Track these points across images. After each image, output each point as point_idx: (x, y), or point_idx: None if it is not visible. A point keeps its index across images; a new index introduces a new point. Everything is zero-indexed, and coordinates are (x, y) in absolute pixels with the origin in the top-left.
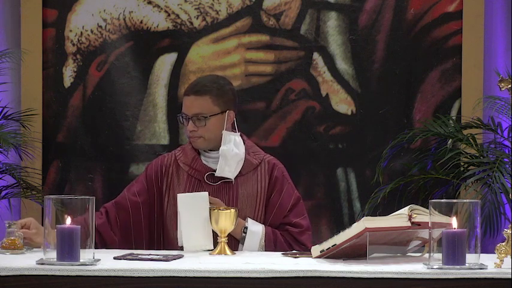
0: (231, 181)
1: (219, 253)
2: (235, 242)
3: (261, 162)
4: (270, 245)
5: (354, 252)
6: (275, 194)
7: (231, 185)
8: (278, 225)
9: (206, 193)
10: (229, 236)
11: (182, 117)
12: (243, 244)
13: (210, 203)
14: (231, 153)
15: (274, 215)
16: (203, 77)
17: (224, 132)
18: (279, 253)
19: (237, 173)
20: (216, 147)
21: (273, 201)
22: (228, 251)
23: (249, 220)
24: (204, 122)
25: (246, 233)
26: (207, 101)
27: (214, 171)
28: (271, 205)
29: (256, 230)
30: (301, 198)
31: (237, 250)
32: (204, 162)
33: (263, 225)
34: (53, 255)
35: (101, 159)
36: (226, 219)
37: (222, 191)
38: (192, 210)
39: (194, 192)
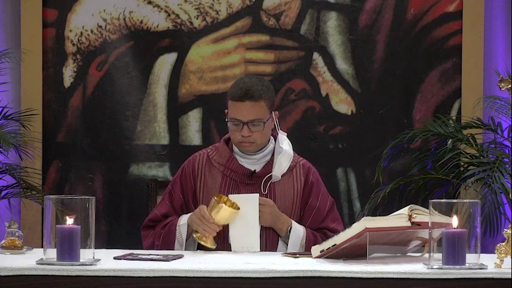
0: (267, 183)
1: (201, 240)
2: (274, 239)
3: (296, 165)
4: (310, 245)
5: (354, 252)
6: (313, 198)
7: (267, 187)
8: (316, 229)
9: (257, 195)
10: (272, 232)
11: (234, 123)
12: (284, 242)
13: (260, 203)
14: (291, 154)
15: (312, 219)
16: (249, 80)
17: (280, 132)
18: (279, 253)
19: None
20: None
21: (311, 205)
22: (209, 243)
23: (292, 220)
24: (261, 127)
25: (290, 232)
26: (262, 106)
27: (253, 172)
28: (309, 209)
29: (299, 230)
30: (335, 203)
31: (276, 248)
32: (240, 163)
33: (303, 227)
34: (53, 255)
35: (101, 159)
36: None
37: (259, 193)
38: (242, 211)
39: (242, 193)
